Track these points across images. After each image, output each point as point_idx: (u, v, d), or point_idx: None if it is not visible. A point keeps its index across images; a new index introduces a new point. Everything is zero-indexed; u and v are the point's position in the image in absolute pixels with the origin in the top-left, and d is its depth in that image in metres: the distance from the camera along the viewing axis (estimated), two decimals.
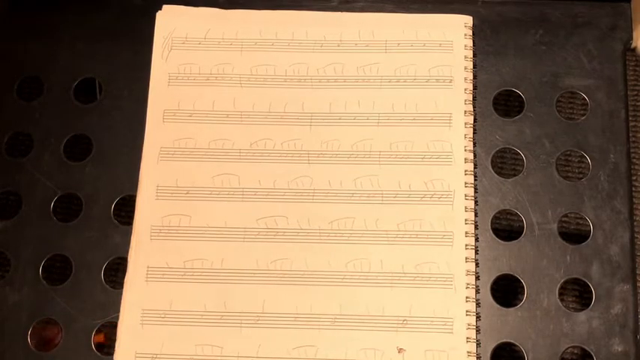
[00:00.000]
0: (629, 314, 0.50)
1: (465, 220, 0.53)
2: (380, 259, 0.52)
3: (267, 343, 0.51)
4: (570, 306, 0.51)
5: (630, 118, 0.55)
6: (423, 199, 0.53)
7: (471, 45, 0.57)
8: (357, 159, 0.54)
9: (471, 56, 0.56)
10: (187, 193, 0.54)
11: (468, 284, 0.51)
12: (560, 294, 0.51)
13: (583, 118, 0.55)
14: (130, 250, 0.53)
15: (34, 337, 0.52)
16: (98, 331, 0.52)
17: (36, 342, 0.52)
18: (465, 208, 0.53)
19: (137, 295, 0.52)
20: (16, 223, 0.54)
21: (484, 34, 0.57)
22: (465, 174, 0.54)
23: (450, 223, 0.53)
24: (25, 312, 0.52)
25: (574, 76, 0.56)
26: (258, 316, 0.51)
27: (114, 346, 0.51)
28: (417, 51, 0.57)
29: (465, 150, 0.54)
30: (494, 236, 0.53)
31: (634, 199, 0.53)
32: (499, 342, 0.51)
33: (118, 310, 0.52)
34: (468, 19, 0.57)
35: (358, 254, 0.52)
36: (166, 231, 0.53)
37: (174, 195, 0.54)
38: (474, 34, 0.57)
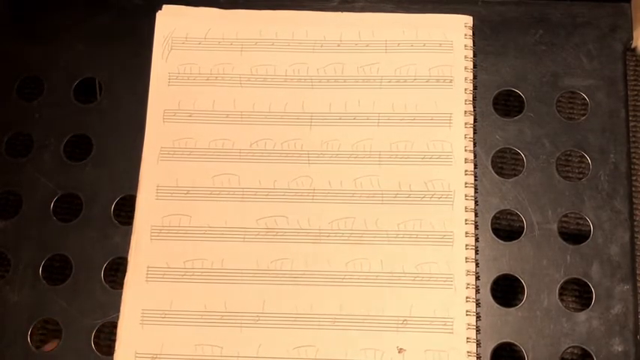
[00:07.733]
0: (629, 314, 0.50)
1: (465, 220, 0.53)
2: (380, 259, 0.52)
3: (267, 343, 0.51)
4: (570, 306, 0.51)
5: (630, 118, 0.55)
6: (423, 199, 0.53)
7: (471, 45, 0.57)
8: (357, 159, 0.54)
9: (471, 56, 0.56)
10: (187, 193, 0.54)
11: (468, 284, 0.51)
12: (560, 294, 0.51)
13: (583, 118, 0.55)
14: (130, 250, 0.53)
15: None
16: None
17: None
18: (465, 208, 0.53)
19: (137, 295, 0.52)
20: (16, 223, 0.54)
21: (484, 34, 0.57)
22: (465, 174, 0.54)
23: (450, 223, 0.53)
24: (25, 312, 0.52)
25: (574, 76, 0.56)
26: (258, 316, 0.51)
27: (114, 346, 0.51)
28: (417, 51, 0.57)
29: (465, 150, 0.54)
30: (494, 236, 0.53)
31: (634, 199, 0.53)
32: (499, 342, 0.51)
33: (118, 310, 0.52)
34: (468, 19, 0.57)
35: (358, 254, 0.52)
36: (166, 231, 0.53)
37: (174, 195, 0.54)
38: (474, 34, 0.57)
